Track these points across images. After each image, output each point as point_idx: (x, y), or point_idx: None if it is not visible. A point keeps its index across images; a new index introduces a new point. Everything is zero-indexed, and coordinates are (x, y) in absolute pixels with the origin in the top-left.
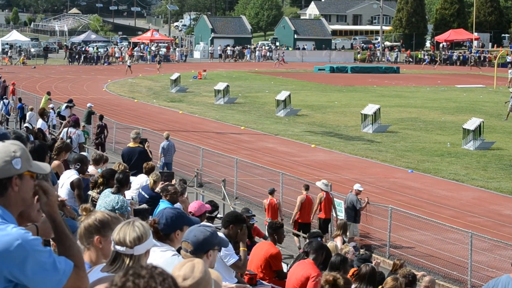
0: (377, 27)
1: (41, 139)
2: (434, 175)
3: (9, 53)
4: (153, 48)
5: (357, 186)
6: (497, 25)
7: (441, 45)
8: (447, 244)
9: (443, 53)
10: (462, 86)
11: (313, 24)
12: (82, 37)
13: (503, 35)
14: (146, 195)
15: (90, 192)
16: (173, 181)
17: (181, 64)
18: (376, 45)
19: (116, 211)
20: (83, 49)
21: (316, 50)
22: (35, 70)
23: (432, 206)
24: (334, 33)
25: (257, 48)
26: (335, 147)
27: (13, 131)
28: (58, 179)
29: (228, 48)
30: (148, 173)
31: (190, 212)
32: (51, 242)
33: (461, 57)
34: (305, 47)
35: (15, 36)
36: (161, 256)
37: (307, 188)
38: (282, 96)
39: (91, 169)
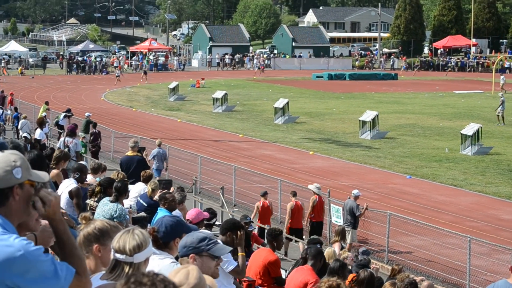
0: (375, 34)
1: (39, 148)
2: (432, 180)
3: (2, 63)
4: (151, 57)
5: (355, 192)
6: (495, 31)
7: (439, 51)
8: (446, 249)
9: (441, 59)
10: (460, 92)
11: (311, 31)
12: (80, 47)
13: (501, 40)
14: (144, 203)
15: (88, 201)
16: (172, 189)
17: (179, 73)
18: (374, 52)
19: (115, 220)
20: (86, 58)
21: (314, 58)
22: (33, 80)
23: (430, 212)
24: (332, 40)
25: (255, 56)
26: (333, 154)
27: (11, 141)
28: (57, 188)
29: (226, 56)
30: (146, 181)
31: (188, 219)
32: (50, 250)
33: (459, 63)
34: (301, 55)
35: (13, 46)
36: (159, 263)
37: (294, 194)
38: (280, 103)
39: (89, 178)
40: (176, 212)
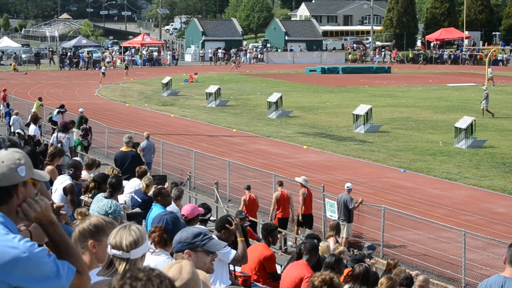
0: (368, 27)
1: (32, 145)
2: (426, 174)
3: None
4: (144, 52)
5: (348, 185)
6: (488, 23)
7: (432, 44)
8: (441, 243)
9: (434, 52)
10: (453, 84)
11: (304, 25)
12: (73, 42)
13: (494, 33)
14: (139, 199)
15: (82, 197)
16: (166, 185)
17: (172, 68)
18: (367, 45)
19: (109, 216)
20: (82, 54)
21: (307, 52)
22: (27, 76)
23: (425, 205)
24: (325, 34)
25: (247, 51)
26: (327, 148)
27: (8, 138)
28: (52, 184)
29: (219, 50)
30: (140, 177)
31: (183, 215)
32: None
33: (452, 56)
34: (292, 48)
35: (6, 42)
36: (154, 259)
37: (281, 184)
38: (273, 98)
39: (83, 174)
40: (174, 208)
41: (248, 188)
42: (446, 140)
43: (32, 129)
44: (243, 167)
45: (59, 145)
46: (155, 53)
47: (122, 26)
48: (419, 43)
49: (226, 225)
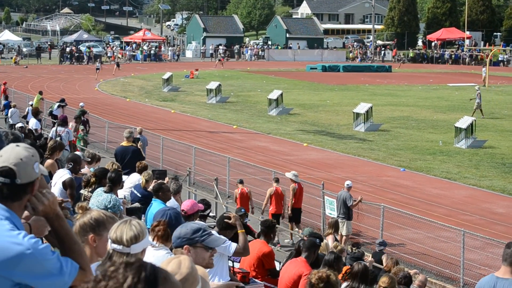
0: (369, 26)
1: (32, 138)
2: (426, 173)
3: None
4: (145, 47)
5: (347, 183)
6: (489, 23)
7: (433, 43)
8: (440, 242)
9: (435, 51)
10: (454, 84)
11: (305, 23)
12: (74, 36)
13: (495, 33)
14: (138, 194)
15: (82, 191)
16: (166, 179)
17: (173, 64)
18: (368, 44)
19: (109, 210)
20: (85, 49)
21: (308, 49)
22: (27, 70)
23: (424, 205)
24: (326, 32)
25: (248, 47)
26: (327, 146)
27: (11, 132)
28: (51, 178)
29: (220, 47)
30: (141, 172)
31: (183, 210)
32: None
33: (453, 56)
34: (291, 46)
35: (7, 36)
36: (154, 254)
37: (277, 180)
38: (274, 95)
39: (85, 168)
40: (173, 202)
41: (241, 182)
42: (446, 139)
43: (33, 123)
44: (243, 164)
45: (58, 139)
46: (156, 49)
47: (123, 21)
48: (420, 42)
49: (225, 220)
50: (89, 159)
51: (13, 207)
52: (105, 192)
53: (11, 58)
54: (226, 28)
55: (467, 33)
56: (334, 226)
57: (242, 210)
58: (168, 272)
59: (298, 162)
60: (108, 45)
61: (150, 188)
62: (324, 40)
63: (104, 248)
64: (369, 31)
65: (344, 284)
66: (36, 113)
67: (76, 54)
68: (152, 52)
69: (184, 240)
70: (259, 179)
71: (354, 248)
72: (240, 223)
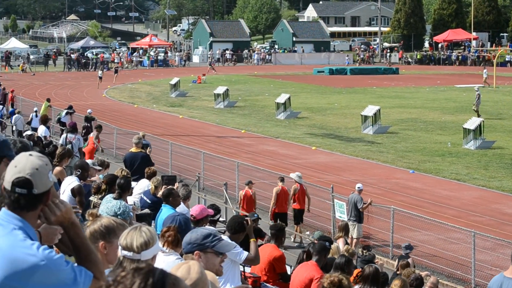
0: (376, 29)
1: (41, 146)
2: (435, 175)
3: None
4: (152, 53)
5: (358, 185)
6: (496, 24)
7: (439, 45)
8: (450, 243)
9: (442, 53)
10: (461, 86)
11: (312, 26)
12: (80, 43)
13: (501, 34)
14: (148, 200)
15: (91, 198)
16: (176, 185)
17: (180, 69)
18: (375, 46)
19: (118, 217)
20: (95, 55)
21: (314, 53)
22: (35, 77)
23: (434, 206)
24: (333, 35)
25: (255, 52)
26: (335, 149)
27: (19, 140)
28: (60, 185)
29: (227, 52)
30: (150, 177)
31: (192, 215)
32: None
33: (460, 57)
34: (296, 49)
35: (13, 43)
36: (164, 259)
37: (282, 180)
38: (282, 99)
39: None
40: (183, 208)
41: (248, 183)
42: (454, 141)
43: (42, 130)
44: (252, 168)
45: (68, 146)
46: (162, 54)
47: (129, 27)
48: (427, 44)
49: (244, 221)
50: (100, 168)
51: (27, 216)
52: (115, 198)
53: (18, 65)
54: (232, 33)
55: (474, 34)
56: (344, 229)
57: (255, 215)
58: (178, 278)
59: (307, 166)
60: (114, 51)
61: (160, 194)
62: (331, 43)
63: (115, 255)
64: (375, 33)
65: (356, 287)
66: (45, 120)
67: (83, 61)
68: (159, 57)
69: (194, 245)
70: (268, 183)
71: (364, 251)
72: (252, 232)
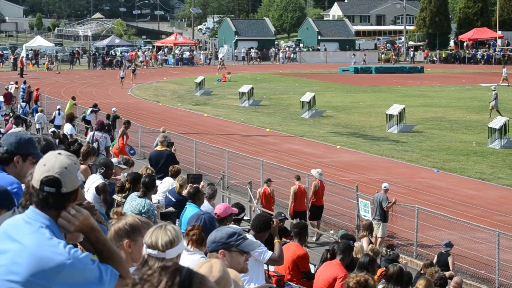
0: (401, 27)
1: (67, 144)
2: (460, 174)
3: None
4: (177, 51)
5: (384, 185)
6: None
7: (464, 44)
8: (474, 243)
9: (467, 51)
10: (486, 84)
11: (337, 25)
12: (106, 41)
13: None
14: (173, 199)
15: (114, 196)
16: (201, 184)
17: (205, 67)
18: (400, 45)
19: (143, 215)
20: (123, 54)
21: (339, 51)
22: (60, 75)
23: (458, 206)
24: (358, 33)
25: (281, 50)
26: (360, 148)
27: (44, 138)
28: (84, 183)
29: (252, 50)
30: (174, 176)
31: (216, 213)
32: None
33: (485, 56)
34: (319, 48)
35: (39, 41)
36: (188, 258)
37: (298, 178)
38: (306, 97)
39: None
40: (208, 207)
41: (267, 181)
42: (479, 140)
43: (68, 128)
44: (277, 167)
45: (95, 144)
46: (187, 53)
47: (154, 26)
48: (452, 43)
49: (271, 221)
50: (125, 166)
51: (54, 215)
52: (139, 197)
53: (43, 64)
54: (257, 31)
55: (499, 32)
56: (369, 228)
57: (282, 214)
58: (205, 277)
59: (331, 165)
60: (139, 49)
61: (185, 192)
62: (356, 41)
63: (139, 253)
64: (400, 32)
65: (380, 286)
66: (70, 118)
67: (108, 59)
68: (184, 56)
69: (219, 244)
70: (292, 182)
71: (388, 250)
72: (277, 233)
